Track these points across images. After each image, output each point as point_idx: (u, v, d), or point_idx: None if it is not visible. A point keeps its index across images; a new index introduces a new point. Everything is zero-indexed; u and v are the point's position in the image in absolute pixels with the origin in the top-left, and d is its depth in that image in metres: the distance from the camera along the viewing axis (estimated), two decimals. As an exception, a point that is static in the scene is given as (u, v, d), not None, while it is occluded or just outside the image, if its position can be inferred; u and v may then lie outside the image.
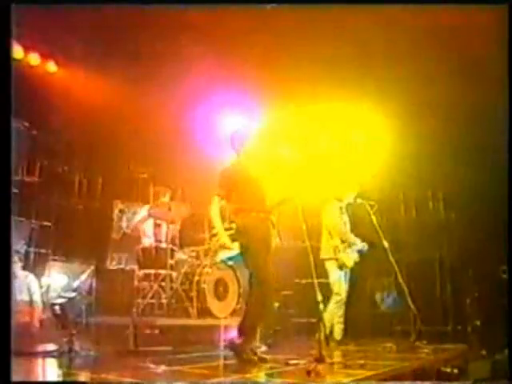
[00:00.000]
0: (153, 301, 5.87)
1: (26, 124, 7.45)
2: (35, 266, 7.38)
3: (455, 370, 4.93)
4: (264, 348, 6.10)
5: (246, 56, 7.93)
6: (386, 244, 6.19)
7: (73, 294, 5.22)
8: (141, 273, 6.13)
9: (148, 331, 5.49)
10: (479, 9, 5.55)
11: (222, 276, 6.00)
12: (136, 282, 6.07)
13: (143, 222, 6.65)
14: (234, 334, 4.83)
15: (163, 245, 6.14)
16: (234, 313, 5.97)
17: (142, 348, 5.16)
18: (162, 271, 6.00)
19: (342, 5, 6.15)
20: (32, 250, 7.43)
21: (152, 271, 6.06)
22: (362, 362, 4.28)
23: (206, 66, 8.29)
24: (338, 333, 6.33)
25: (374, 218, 6.33)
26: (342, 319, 6.37)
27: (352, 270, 6.51)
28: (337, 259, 6.41)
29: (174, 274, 6.16)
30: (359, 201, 6.57)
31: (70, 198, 7.97)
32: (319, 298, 4.32)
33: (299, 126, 8.64)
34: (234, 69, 8.47)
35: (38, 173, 7.60)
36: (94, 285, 7.68)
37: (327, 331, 6.25)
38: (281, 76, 7.91)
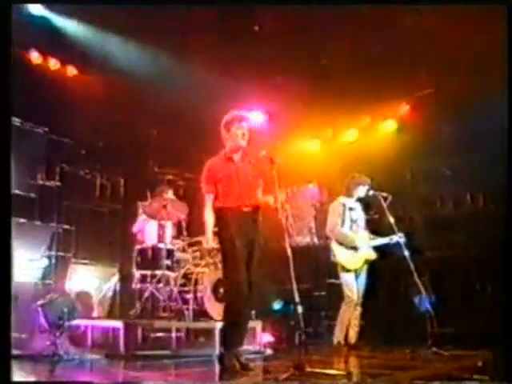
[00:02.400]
0: (148, 303, 5.70)
1: (46, 129, 7.53)
2: (57, 269, 7.44)
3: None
4: (268, 352, 5.85)
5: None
6: (400, 239, 5.71)
7: (54, 296, 5.11)
8: (138, 274, 5.98)
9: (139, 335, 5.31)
10: (479, 9, 5.60)
11: (222, 277, 5.70)
12: (134, 284, 5.93)
13: (147, 221, 6.51)
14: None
15: (161, 245, 5.95)
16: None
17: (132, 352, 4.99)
18: (158, 272, 5.82)
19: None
20: (54, 253, 7.46)
21: (148, 272, 5.90)
22: (343, 372, 3.86)
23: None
24: (352, 336, 5.91)
25: (387, 211, 5.85)
26: (356, 322, 5.94)
27: (371, 269, 6.07)
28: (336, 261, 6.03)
29: (173, 275, 5.96)
30: (371, 193, 6.10)
31: (92, 201, 7.97)
32: (296, 299, 3.99)
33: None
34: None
35: (58, 177, 7.63)
36: (117, 288, 7.71)
37: (342, 335, 5.89)
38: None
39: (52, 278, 7.36)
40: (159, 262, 5.79)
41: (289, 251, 4.15)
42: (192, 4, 7.61)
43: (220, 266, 5.76)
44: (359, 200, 6.32)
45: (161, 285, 5.72)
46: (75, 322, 5.53)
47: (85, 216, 7.85)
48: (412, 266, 5.58)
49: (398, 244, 5.86)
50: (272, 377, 4.01)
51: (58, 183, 7.63)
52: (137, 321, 5.50)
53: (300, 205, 9.47)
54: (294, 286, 4.02)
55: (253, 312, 6.28)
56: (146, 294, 5.75)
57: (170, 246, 6.10)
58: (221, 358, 4.19)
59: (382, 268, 6.63)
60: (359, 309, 5.96)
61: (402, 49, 7.39)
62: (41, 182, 7.47)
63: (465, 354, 5.20)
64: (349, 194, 6.23)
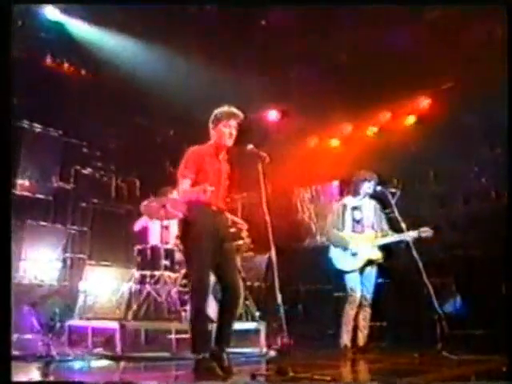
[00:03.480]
0: (145, 304, 5.61)
1: (60, 132, 7.61)
2: (73, 271, 7.50)
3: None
4: (272, 353, 5.66)
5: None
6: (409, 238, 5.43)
7: (46, 296, 5.09)
8: (137, 274, 5.90)
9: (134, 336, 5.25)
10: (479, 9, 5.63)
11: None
12: (133, 285, 5.85)
13: (151, 221, 6.42)
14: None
15: (160, 245, 5.85)
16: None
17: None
18: (157, 272, 5.73)
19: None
20: (70, 255, 7.51)
21: (148, 272, 5.81)
22: (328, 378, 3.63)
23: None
24: (361, 339, 5.66)
25: (395, 207, 5.59)
26: (365, 323, 5.69)
27: (381, 269, 5.82)
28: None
29: (174, 276, 5.86)
30: (379, 189, 5.85)
31: (108, 202, 7.99)
32: (278, 300, 3.81)
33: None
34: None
35: (73, 179, 7.68)
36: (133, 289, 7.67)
37: (348, 337, 5.66)
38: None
39: (68, 280, 7.43)
40: (158, 263, 5.70)
41: (273, 252, 4.00)
42: (204, 3, 7.60)
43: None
44: (373, 197, 6.07)
45: (159, 285, 5.64)
46: (76, 322, 5.51)
47: (100, 217, 7.87)
48: (421, 265, 5.28)
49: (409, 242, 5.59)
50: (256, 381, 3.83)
51: (73, 185, 7.68)
52: (133, 322, 5.44)
53: (323, 203, 9.28)
54: (277, 286, 3.85)
55: (257, 313, 6.15)
56: (144, 295, 5.67)
57: (169, 246, 6.01)
58: (198, 363, 3.98)
59: (396, 267, 6.35)
60: (368, 310, 5.71)
61: (421, 43, 7.22)
62: (56, 185, 7.54)
63: (477, 358, 4.88)
64: (355, 192, 6.00)
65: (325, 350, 5.79)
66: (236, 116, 4.32)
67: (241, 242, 5.86)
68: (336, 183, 8.95)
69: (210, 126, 4.37)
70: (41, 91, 7.27)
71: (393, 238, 5.76)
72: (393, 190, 5.81)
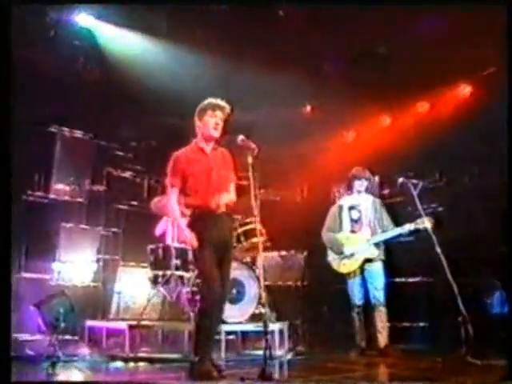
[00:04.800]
0: (157, 303, 5.54)
1: (91, 135, 7.72)
2: (106, 272, 7.58)
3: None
4: (289, 355, 5.48)
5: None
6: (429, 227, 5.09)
7: (50, 296, 5.11)
8: (151, 274, 5.84)
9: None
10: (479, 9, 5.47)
11: (236, 276, 5.42)
12: (148, 284, 5.80)
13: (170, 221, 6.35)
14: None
15: (171, 244, 5.77)
16: (252, 318, 5.38)
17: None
18: (168, 272, 5.65)
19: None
20: (103, 256, 7.60)
21: (160, 272, 5.74)
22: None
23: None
24: (381, 341, 5.38)
25: (417, 198, 5.27)
26: (382, 324, 5.41)
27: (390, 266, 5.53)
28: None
29: (187, 275, 5.76)
30: (401, 180, 5.53)
31: (141, 203, 8.01)
32: (263, 299, 3.63)
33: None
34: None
35: (105, 181, 7.78)
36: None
37: (362, 343, 5.38)
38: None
39: (101, 281, 7.52)
40: (169, 262, 5.64)
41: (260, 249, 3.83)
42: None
43: (234, 264, 5.46)
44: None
45: (171, 285, 5.57)
46: (94, 323, 5.52)
47: (133, 218, 7.91)
48: (444, 262, 4.92)
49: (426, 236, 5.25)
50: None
51: (106, 187, 7.78)
52: (143, 322, 5.39)
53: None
54: (262, 286, 3.67)
55: (273, 314, 5.94)
56: (155, 295, 5.61)
57: (182, 245, 5.92)
58: (193, 365, 3.88)
59: (418, 265, 5.98)
60: (383, 309, 5.44)
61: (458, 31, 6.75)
62: (89, 187, 7.66)
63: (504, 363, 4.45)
64: (349, 191, 5.84)
65: (342, 353, 5.53)
66: (221, 107, 4.23)
67: (255, 239, 5.71)
68: (376, 179, 8.59)
69: (196, 118, 4.28)
70: (72, 97, 7.40)
71: (388, 233, 5.51)
72: (414, 182, 5.48)
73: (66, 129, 7.57)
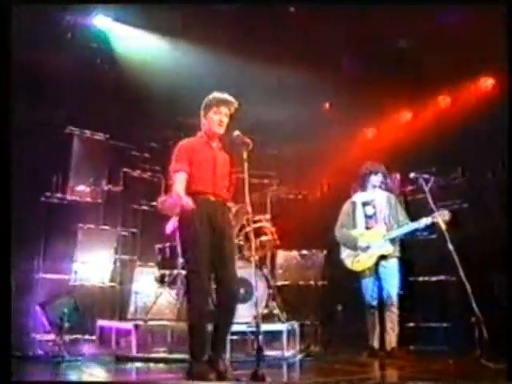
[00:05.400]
0: (166, 303, 5.48)
1: (107, 135, 7.76)
2: (123, 272, 7.59)
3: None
4: (299, 356, 5.37)
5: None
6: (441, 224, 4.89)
7: (55, 296, 5.11)
8: (158, 273, 5.79)
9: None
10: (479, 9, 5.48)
11: (242, 275, 5.30)
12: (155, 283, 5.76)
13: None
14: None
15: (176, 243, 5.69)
16: (261, 318, 5.23)
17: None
18: (174, 271, 5.58)
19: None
20: (120, 257, 7.62)
21: (167, 272, 5.68)
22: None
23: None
24: (390, 342, 5.19)
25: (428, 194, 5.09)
26: (392, 325, 5.22)
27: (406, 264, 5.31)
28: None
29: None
30: (412, 175, 5.35)
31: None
32: (261, 299, 3.54)
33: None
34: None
35: (122, 181, 7.80)
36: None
37: (376, 343, 5.21)
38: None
39: (118, 281, 7.54)
40: (176, 261, 5.58)
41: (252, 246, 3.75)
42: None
43: (238, 263, 5.37)
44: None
45: (178, 285, 5.51)
46: (104, 323, 5.51)
47: (150, 219, 7.89)
48: (457, 259, 4.71)
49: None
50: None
51: (123, 188, 7.80)
52: (149, 323, 5.35)
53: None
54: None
55: (283, 315, 5.81)
56: (158, 294, 5.56)
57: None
58: (191, 367, 3.77)
59: (429, 262, 5.76)
60: (395, 310, 5.25)
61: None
62: (106, 188, 7.69)
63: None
64: (363, 187, 5.66)
65: (355, 353, 5.38)
66: (227, 103, 4.15)
67: (264, 237, 5.61)
68: (397, 176, 8.37)
69: (201, 113, 4.22)
70: (88, 98, 7.46)
71: (404, 228, 5.31)
72: (426, 176, 5.30)
73: (82, 130, 7.60)
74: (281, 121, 8.50)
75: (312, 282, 7.88)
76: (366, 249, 5.46)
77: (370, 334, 5.33)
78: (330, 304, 7.43)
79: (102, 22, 7.69)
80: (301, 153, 9.01)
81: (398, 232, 5.50)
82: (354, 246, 5.55)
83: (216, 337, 3.94)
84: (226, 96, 4.21)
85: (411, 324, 5.99)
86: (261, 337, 3.58)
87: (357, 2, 7.04)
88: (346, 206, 5.83)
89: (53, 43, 7.24)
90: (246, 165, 3.99)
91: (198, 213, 3.89)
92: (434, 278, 6.11)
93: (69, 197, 7.43)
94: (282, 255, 8.03)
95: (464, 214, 6.54)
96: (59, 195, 7.32)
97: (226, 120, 4.16)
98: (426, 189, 5.17)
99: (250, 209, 3.88)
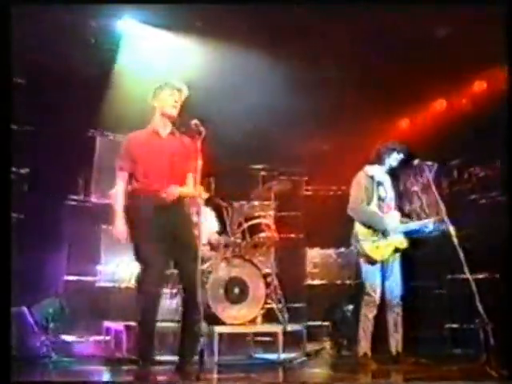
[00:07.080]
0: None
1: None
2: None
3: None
4: (302, 359, 5.08)
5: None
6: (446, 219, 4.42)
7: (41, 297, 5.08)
8: None
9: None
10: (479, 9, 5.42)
11: (238, 274, 5.05)
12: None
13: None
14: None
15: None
16: (257, 319, 4.99)
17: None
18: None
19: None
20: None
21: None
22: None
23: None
24: (393, 346, 4.73)
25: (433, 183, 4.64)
26: (396, 328, 4.74)
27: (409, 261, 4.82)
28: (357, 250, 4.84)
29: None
30: (416, 162, 4.88)
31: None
32: (198, 298, 3.32)
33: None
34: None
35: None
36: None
37: (368, 345, 4.76)
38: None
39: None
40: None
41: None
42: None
43: (236, 262, 5.14)
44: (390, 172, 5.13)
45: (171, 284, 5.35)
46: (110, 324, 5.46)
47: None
48: (462, 256, 4.25)
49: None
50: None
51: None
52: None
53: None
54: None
55: (286, 315, 5.51)
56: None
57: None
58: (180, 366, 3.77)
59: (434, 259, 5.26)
60: (399, 311, 4.77)
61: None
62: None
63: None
64: (379, 162, 5.08)
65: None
66: (179, 88, 3.97)
67: (263, 234, 5.34)
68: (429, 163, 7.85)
69: (152, 100, 4.06)
70: (107, 98, 7.52)
71: (420, 223, 4.80)
72: (429, 163, 4.86)
73: (104, 132, 7.64)
74: (307, 117, 8.15)
75: (349, 282, 7.58)
76: (390, 233, 4.83)
77: (362, 336, 4.77)
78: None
79: (124, 25, 7.69)
80: (332, 149, 8.65)
81: (414, 225, 4.97)
82: (381, 226, 4.86)
83: (181, 341, 3.80)
84: (177, 82, 4.05)
85: (415, 327, 5.48)
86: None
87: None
88: (362, 180, 5.05)
89: (78, 48, 7.30)
90: (199, 155, 3.80)
91: (141, 214, 3.86)
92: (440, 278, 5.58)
93: (92, 199, 7.49)
94: (316, 253, 7.77)
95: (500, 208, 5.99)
96: (82, 198, 7.39)
97: (179, 103, 4.03)
98: (430, 177, 4.73)
99: (201, 201, 3.64)
